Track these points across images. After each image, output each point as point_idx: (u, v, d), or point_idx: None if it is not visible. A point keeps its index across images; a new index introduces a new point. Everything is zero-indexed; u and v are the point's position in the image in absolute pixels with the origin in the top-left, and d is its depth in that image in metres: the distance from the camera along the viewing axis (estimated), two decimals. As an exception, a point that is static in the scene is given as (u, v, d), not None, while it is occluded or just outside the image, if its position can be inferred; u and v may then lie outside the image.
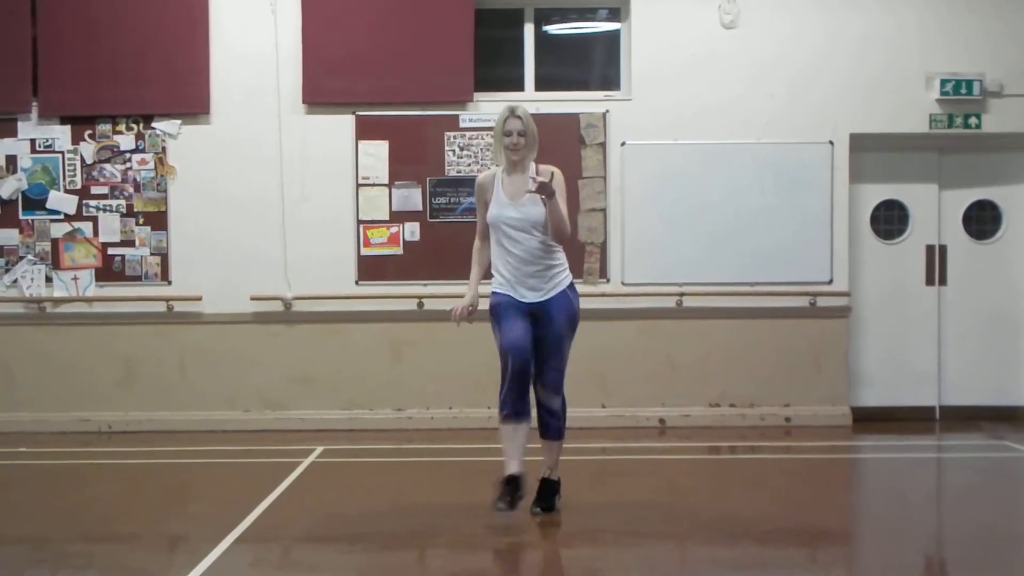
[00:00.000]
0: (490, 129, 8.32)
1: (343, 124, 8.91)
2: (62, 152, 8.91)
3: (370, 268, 8.93)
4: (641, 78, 8.95)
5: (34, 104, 8.88)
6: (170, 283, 8.92)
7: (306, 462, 7.62)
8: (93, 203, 8.92)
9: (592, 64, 9.46)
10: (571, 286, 5.98)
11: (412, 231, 8.92)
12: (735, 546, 5.48)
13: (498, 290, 5.93)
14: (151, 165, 8.93)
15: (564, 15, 9.27)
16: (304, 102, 8.89)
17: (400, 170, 8.91)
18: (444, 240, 8.82)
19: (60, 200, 8.92)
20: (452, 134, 8.90)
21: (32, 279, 8.91)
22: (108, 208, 8.93)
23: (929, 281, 9.28)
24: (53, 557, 5.49)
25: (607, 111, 8.94)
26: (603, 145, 8.93)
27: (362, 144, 8.92)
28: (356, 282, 8.93)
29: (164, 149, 8.93)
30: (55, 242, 8.92)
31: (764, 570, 5.19)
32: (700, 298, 8.90)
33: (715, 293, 8.89)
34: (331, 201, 8.91)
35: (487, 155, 8.76)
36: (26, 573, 5.26)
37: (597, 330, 8.74)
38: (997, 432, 8.66)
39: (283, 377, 8.93)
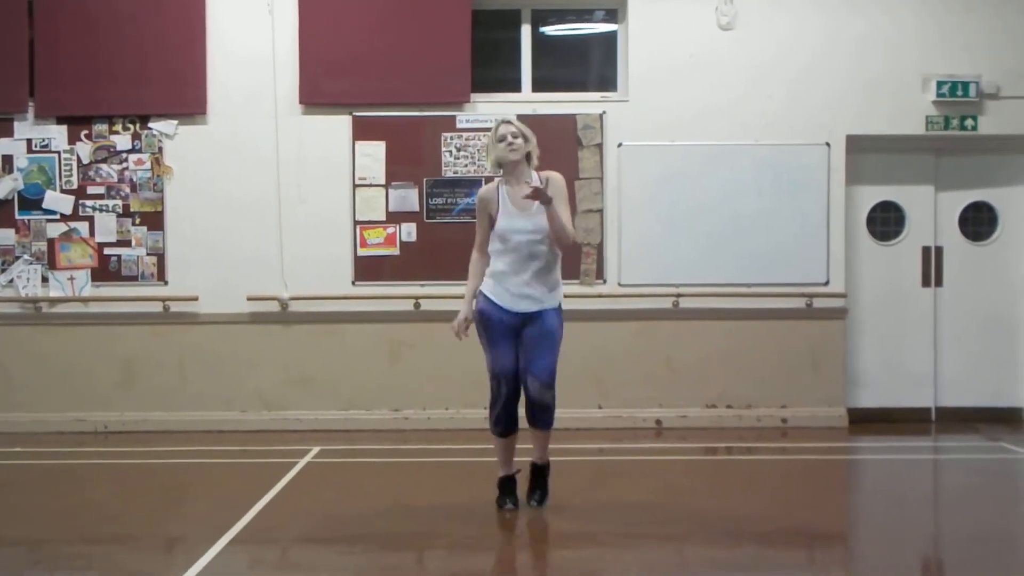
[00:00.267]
0: (488, 130, 8.32)
1: (340, 125, 8.91)
2: (58, 152, 8.90)
3: (367, 269, 8.92)
4: (638, 79, 8.96)
5: (30, 104, 8.87)
6: (166, 283, 8.92)
7: (303, 462, 7.61)
8: (89, 203, 8.91)
9: (589, 65, 9.46)
10: (559, 307, 6.08)
11: (409, 232, 8.92)
12: (732, 547, 5.48)
13: (490, 296, 5.98)
14: (147, 165, 8.92)
15: (561, 16, 9.28)
16: (301, 103, 8.88)
17: (397, 171, 8.91)
18: (441, 241, 8.82)
19: (56, 200, 8.90)
20: (449, 135, 8.90)
21: (28, 279, 8.90)
22: (104, 208, 8.92)
23: (925, 282, 9.29)
24: (50, 558, 5.49)
25: (604, 112, 8.94)
26: (600, 146, 8.93)
27: (359, 145, 8.92)
28: (353, 283, 8.92)
29: (161, 149, 8.92)
30: (51, 242, 8.91)
31: (761, 571, 5.20)
32: (697, 299, 8.90)
33: (712, 294, 8.90)
34: (328, 202, 8.91)
35: (483, 156, 8.75)
36: (23, 574, 5.26)
37: (594, 331, 8.78)
38: (993, 433, 8.67)
39: (280, 377, 8.92)
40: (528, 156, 6.01)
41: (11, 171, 8.89)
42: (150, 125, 8.91)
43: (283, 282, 8.90)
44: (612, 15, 9.20)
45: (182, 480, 7.43)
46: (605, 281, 8.94)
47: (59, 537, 5.82)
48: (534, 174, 5.98)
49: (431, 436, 8.62)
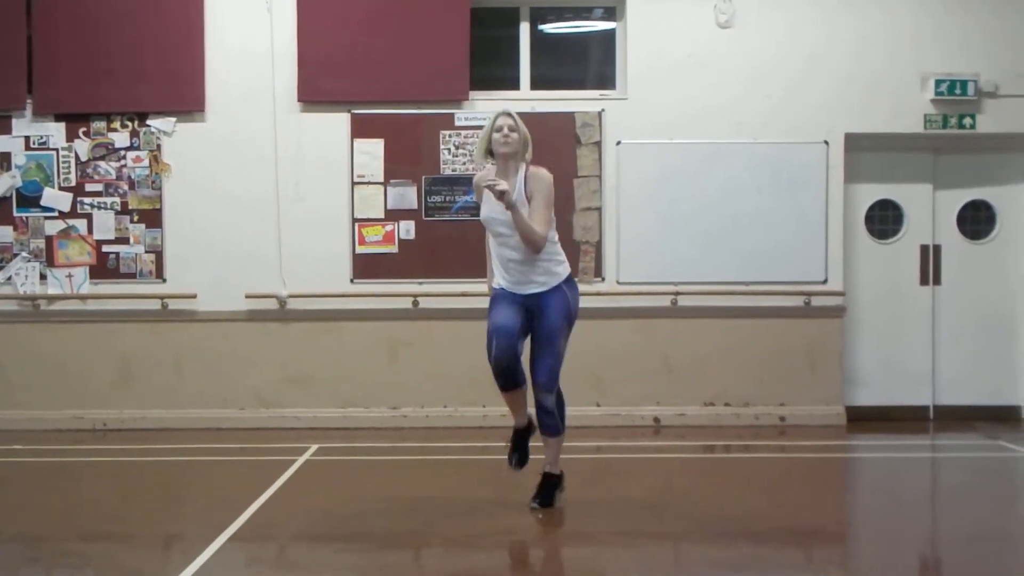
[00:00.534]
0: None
1: (338, 122, 8.90)
2: (57, 149, 8.90)
3: (365, 266, 8.92)
4: (637, 77, 8.96)
5: (29, 101, 8.87)
6: (165, 281, 8.91)
7: (301, 460, 7.61)
8: (88, 200, 8.91)
9: (588, 63, 9.46)
10: (569, 281, 6.01)
11: (407, 229, 8.92)
12: (730, 545, 5.48)
13: (494, 285, 6.06)
14: (146, 163, 8.91)
15: (560, 14, 9.27)
16: (299, 100, 8.88)
17: (395, 168, 8.91)
18: (439, 239, 8.82)
19: (54, 197, 8.90)
20: (447, 133, 8.89)
21: (26, 276, 8.89)
22: (103, 205, 8.91)
23: (923, 281, 9.29)
24: (47, 556, 5.48)
25: (603, 110, 8.94)
26: (599, 144, 8.93)
27: (357, 142, 8.92)
28: (351, 280, 8.92)
29: (159, 147, 8.92)
30: (49, 239, 8.90)
31: (759, 569, 5.19)
32: (695, 297, 8.90)
33: (710, 292, 8.90)
34: (326, 199, 8.91)
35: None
36: (20, 572, 5.26)
37: (592, 329, 8.73)
38: (991, 432, 8.68)
39: (278, 375, 8.92)
40: (518, 152, 5.96)
41: (9, 168, 8.89)
42: (148, 122, 8.90)
43: (281, 280, 8.90)
44: (611, 13, 9.20)
45: (180, 478, 7.43)
46: (603, 279, 8.94)
47: (57, 535, 5.82)
48: (522, 169, 5.95)
49: (429, 434, 8.62)
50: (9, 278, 8.89)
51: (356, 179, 8.92)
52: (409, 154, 8.90)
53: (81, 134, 8.89)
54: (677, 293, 8.91)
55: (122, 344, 8.89)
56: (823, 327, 8.98)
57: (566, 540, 5.64)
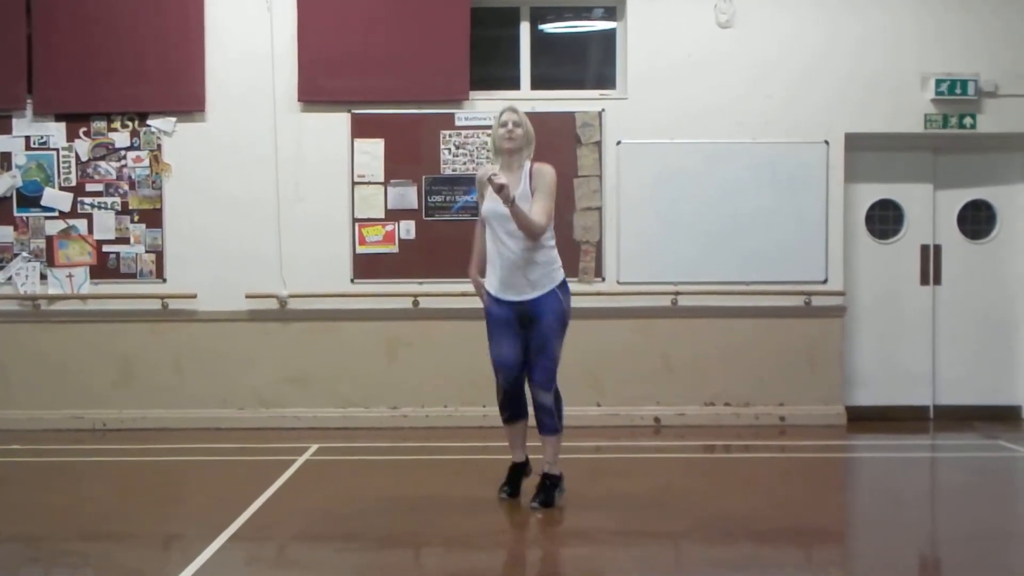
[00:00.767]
0: (486, 128, 8.35)
1: (339, 122, 8.91)
2: (57, 149, 8.90)
3: (365, 266, 8.92)
4: (637, 77, 8.96)
5: (29, 101, 8.87)
6: (165, 281, 8.91)
7: (301, 460, 7.61)
8: (88, 200, 8.91)
9: (588, 63, 9.46)
10: (563, 285, 6.08)
11: (407, 229, 8.92)
12: (730, 545, 5.49)
13: (488, 290, 6.10)
14: (146, 163, 8.92)
15: (560, 14, 9.27)
16: (300, 100, 8.88)
17: (395, 168, 8.91)
18: (439, 238, 8.82)
19: (55, 197, 8.90)
20: (448, 132, 8.89)
21: (27, 276, 8.89)
22: (103, 205, 8.92)
23: (924, 281, 9.29)
24: (47, 555, 5.48)
25: (603, 110, 8.94)
26: (599, 144, 8.93)
27: (358, 142, 8.92)
28: (351, 280, 8.92)
29: (159, 147, 8.92)
30: (50, 239, 8.91)
31: (759, 569, 5.20)
32: (695, 297, 8.90)
33: (710, 292, 8.90)
34: (326, 199, 8.91)
35: (482, 153, 8.77)
36: (20, 571, 5.26)
37: (592, 329, 8.77)
38: (991, 432, 8.68)
39: (278, 375, 8.92)
40: (522, 148, 6.07)
41: (9, 168, 8.89)
42: (149, 122, 8.91)
43: (282, 280, 8.90)
44: (611, 13, 9.20)
45: (180, 478, 7.43)
46: (604, 279, 8.94)
47: (57, 534, 5.82)
48: (527, 165, 6.06)
49: (429, 434, 8.62)
50: (9, 278, 8.89)
51: (356, 179, 8.92)
52: (409, 154, 8.90)
53: (81, 134, 8.89)
54: (677, 293, 8.91)
55: (122, 344, 8.89)
56: (823, 327, 8.98)
57: (566, 540, 5.64)
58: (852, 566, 5.43)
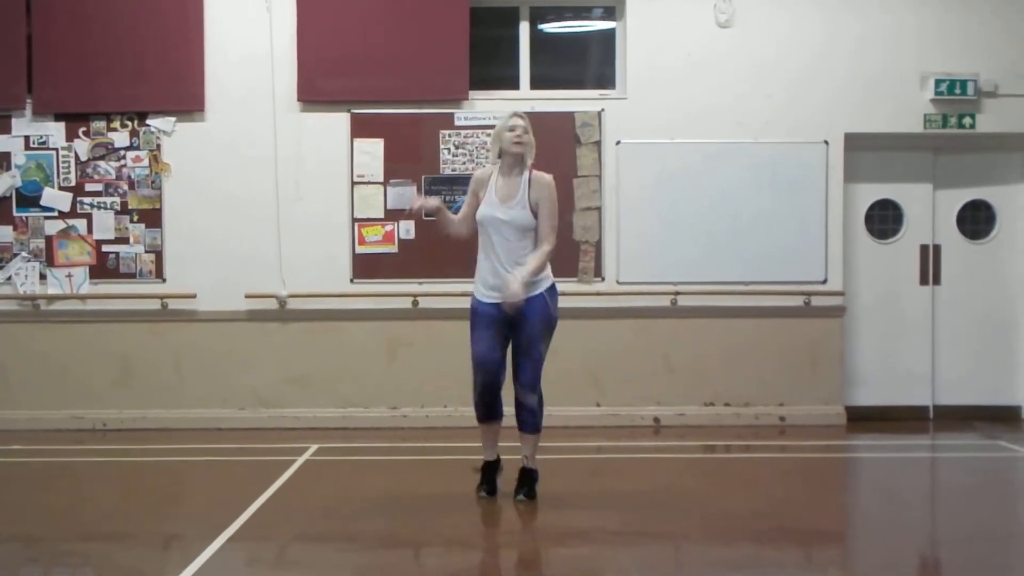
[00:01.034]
0: (486, 127, 8.35)
1: (338, 122, 8.90)
2: (56, 149, 8.90)
3: (365, 266, 8.92)
4: (636, 77, 8.96)
5: (28, 101, 8.87)
6: (164, 281, 8.91)
7: (300, 460, 7.61)
8: (87, 200, 8.91)
9: (587, 63, 9.46)
10: (551, 288, 6.18)
11: (407, 229, 8.92)
12: (730, 545, 5.48)
13: (475, 291, 6.23)
14: (146, 162, 8.91)
15: (559, 14, 9.27)
16: (299, 100, 8.88)
17: (395, 168, 8.91)
18: (439, 239, 8.69)
19: (54, 197, 8.90)
20: (447, 132, 8.89)
21: (26, 276, 8.89)
22: (102, 205, 8.91)
23: (923, 281, 9.29)
24: (47, 555, 5.48)
25: (602, 110, 8.94)
26: (598, 144, 8.93)
27: (357, 142, 8.91)
28: (351, 280, 8.92)
29: (159, 146, 8.92)
30: (49, 239, 8.90)
31: (759, 569, 5.19)
32: (695, 297, 8.90)
33: (710, 292, 8.90)
34: (326, 199, 8.90)
35: (482, 153, 8.76)
36: (20, 572, 5.25)
37: (592, 329, 8.78)
38: (991, 432, 8.68)
39: (278, 375, 8.92)
40: (526, 154, 6.18)
41: (9, 168, 8.89)
42: (148, 122, 8.90)
43: (281, 280, 8.90)
44: (610, 13, 9.20)
45: (180, 478, 7.43)
46: (603, 279, 8.94)
47: (57, 535, 5.81)
48: (526, 173, 6.15)
49: (429, 434, 8.62)
50: (9, 278, 8.89)
51: (356, 179, 8.92)
52: (409, 154, 8.90)
53: (81, 134, 8.89)
54: (677, 293, 8.91)
55: (122, 344, 8.89)
56: (823, 327, 8.98)
57: (566, 540, 5.63)
58: (852, 566, 5.43)
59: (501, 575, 5.37)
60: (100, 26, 8.80)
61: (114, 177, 8.91)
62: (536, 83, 9.14)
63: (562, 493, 6.44)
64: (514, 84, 9.13)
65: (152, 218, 8.92)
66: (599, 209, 8.92)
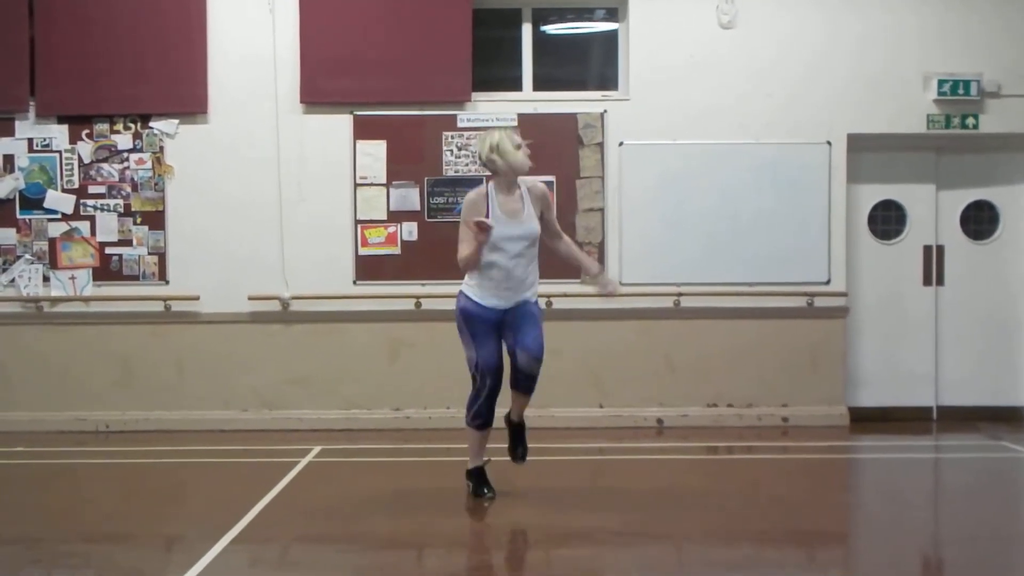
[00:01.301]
0: (488, 129, 8.31)
1: (341, 124, 8.91)
2: (59, 151, 8.91)
3: (368, 268, 8.93)
4: (639, 78, 8.95)
5: (31, 103, 8.88)
6: (167, 283, 8.92)
7: (304, 462, 7.61)
8: (90, 202, 8.92)
9: (590, 64, 9.46)
10: (536, 302, 6.32)
11: (410, 231, 8.92)
12: (732, 546, 5.48)
13: (472, 297, 6.19)
14: (149, 165, 8.92)
15: (562, 15, 9.27)
16: (302, 102, 8.88)
17: (398, 170, 8.91)
18: (442, 240, 8.79)
19: (57, 199, 8.91)
20: (450, 134, 8.90)
21: (29, 278, 8.90)
22: (105, 207, 8.92)
23: (926, 281, 9.28)
24: (49, 557, 5.48)
25: (605, 111, 8.94)
26: (601, 145, 8.93)
27: (360, 144, 8.92)
28: (354, 282, 8.93)
29: (162, 149, 8.93)
30: (52, 241, 8.92)
31: (762, 570, 5.19)
32: (698, 298, 8.90)
33: (713, 293, 8.90)
34: (329, 201, 8.91)
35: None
36: (22, 573, 5.26)
37: (594, 330, 8.79)
38: (994, 432, 8.67)
39: (280, 377, 8.93)
40: None
41: (12, 171, 8.90)
42: (151, 124, 8.92)
43: (284, 281, 8.91)
44: (613, 14, 9.20)
45: (183, 479, 7.43)
46: (606, 280, 8.93)
47: (58, 536, 5.82)
48: (521, 183, 6.20)
49: (432, 435, 8.61)
50: (12, 280, 8.90)
51: (358, 180, 8.92)
52: (411, 155, 8.91)
53: (84, 136, 8.90)
54: (680, 294, 8.90)
55: (125, 346, 8.90)
56: (826, 328, 8.97)
57: (568, 540, 5.63)
58: (854, 567, 5.43)
59: (503, 576, 5.38)
60: (102, 28, 8.81)
61: (117, 179, 8.92)
62: (539, 84, 9.14)
63: (564, 494, 6.45)
64: (516, 85, 9.14)
65: (155, 220, 8.93)
66: (602, 210, 8.92)
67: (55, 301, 8.92)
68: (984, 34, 8.97)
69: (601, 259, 8.91)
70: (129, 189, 8.92)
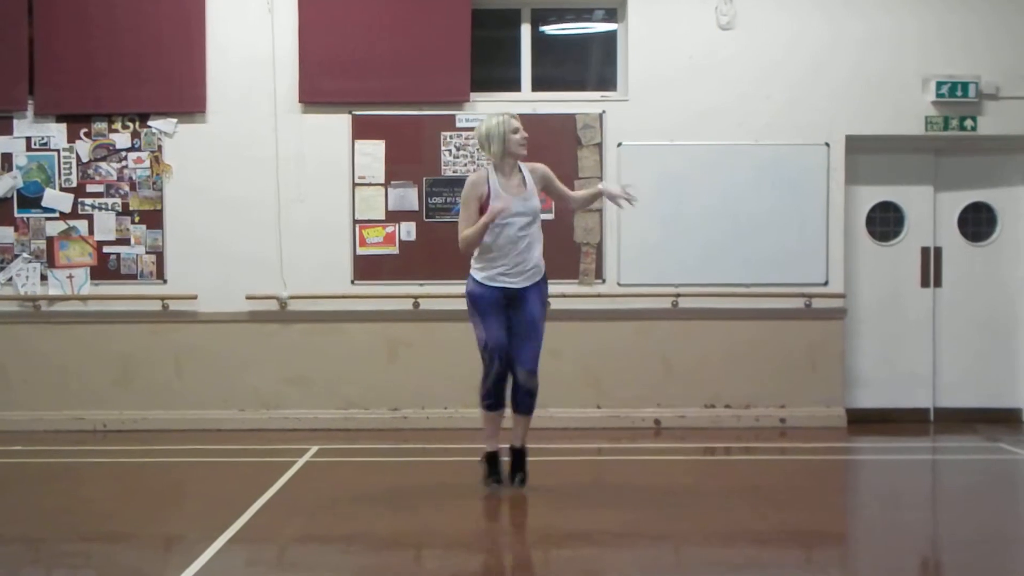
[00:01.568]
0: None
1: (339, 124, 8.91)
2: (58, 150, 8.90)
3: (366, 268, 8.92)
4: (638, 79, 8.96)
5: (30, 102, 8.87)
6: (165, 282, 8.91)
7: (301, 461, 7.61)
8: (89, 201, 8.91)
9: (589, 65, 9.47)
10: (544, 277, 6.51)
11: (408, 231, 8.92)
12: (730, 547, 5.48)
13: (480, 279, 6.41)
14: (147, 164, 8.92)
15: (561, 16, 9.28)
16: (300, 101, 8.88)
17: (396, 170, 8.91)
18: (440, 240, 8.81)
19: (56, 198, 8.90)
20: (448, 134, 8.90)
21: (27, 277, 8.89)
22: (104, 206, 8.92)
23: (924, 283, 9.29)
24: (48, 556, 5.48)
25: (604, 112, 8.94)
26: (599, 146, 8.94)
27: (358, 144, 8.92)
28: (352, 281, 8.93)
29: (160, 148, 8.92)
30: (50, 240, 8.91)
31: (760, 571, 5.19)
32: (696, 299, 8.90)
33: (711, 294, 8.90)
34: (327, 200, 8.91)
35: (483, 155, 8.74)
36: (21, 573, 5.25)
37: (593, 331, 8.79)
38: (992, 434, 8.67)
39: (278, 376, 8.92)
40: None
41: (10, 169, 8.89)
42: (149, 123, 8.91)
43: (282, 281, 8.90)
44: (612, 15, 9.20)
45: (181, 479, 7.43)
46: (604, 281, 8.94)
47: (57, 535, 5.82)
48: (521, 166, 6.46)
49: (430, 435, 8.61)
50: (10, 279, 8.89)
51: (357, 180, 8.92)
52: (410, 155, 8.91)
53: (82, 135, 8.89)
54: (678, 295, 8.91)
55: (123, 345, 8.89)
56: (824, 329, 8.98)
57: (566, 541, 5.63)
58: (852, 568, 5.43)
59: (502, 576, 5.38)
60: (102, 27, 8.80)
61: (115, 178, 8.92)
62: (537, 85, 9.14)
63: (563, 495, 6.45)
64: (515, 86, 9.14)
65: (153, 219, 8.92)
66: (600, 211, 8.92)
67: (53, 300, 8.91)
68: (982, 36, 8.98)
69: (599, 260, 8.92)
70: (127, 188, 8.92)
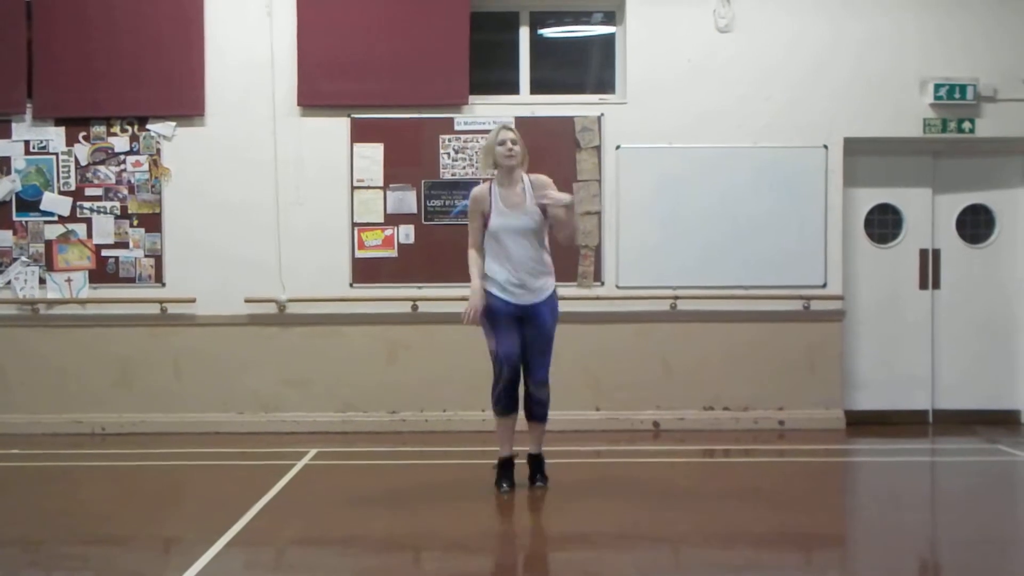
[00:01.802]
0: (486, 132, 8.33)
1: (338, 127, 8.91)
2: (56, 154, 8.90)
3: (365, 270, 8.92)
4: (636, 82, 8.96)
5: (28, 105, 8.87)
6: (164, 285, 8.91)
7: (300, 464, 7.61)
8: (87, 205, 8.91)
9: (587, 67, 9.47)
10: (554, 291, 6.57)
11: (407, 234, 8.92)
12: (729, 549, 5.49)
13: (494, 292, 6.43)
14: (145, 167, 8.92)
15: (559, 19, 9.28)
16: (299, 104, 8.88)
17: (395, 173, 8.91)
18: (439, 243, 8.83)
19: (54, 202, 8.90)
20: (447, 137, 8.90)
21: (26, 281, 8.89)
22: (102, 210, 8.92)
23: (923, 285, 9.29)
24: (46, 559, 5.48)
25: (602, 114, 8.95)
26: (598, 148, 8.94)
27: (357, 147, 8.92)
28: (350, 284, 8.92)
29: (159, 151, 8.92)
30: (49, 244, 8.91)
31: (758, 573, 5.20)
32: (694, 301, 8.90)
33: (709, 296, 8.90)
34: (326, 204, 8.91)
35: (480, 158, 8.76)
36: (20, 575, 5.25)
37: (591, 333, 8.79)
38: (990, 436, 8.67)
39: (277, 379, 8.92)
40: (519, 164, 6.51)
41: (9, 173, 8.89)
42: (148, 127, 8.91)
43: (281, 284, 8.90)
44: (610, 17, 9.21)
45: (179, 481, 7.43)
46: (603, 283, 8.94)
47: (56, 538, 5.82)
48: (524, 178, 6.46)
49: (428, 438, 8.61)
50: (8, 282, 8.89)
51: (356, 183, 8.92)
52: (409, 158, 8.91)
53: (81, 138, 8.90)
54: (676, 297, 8.91)
55: (121, 348, 8.89)
56: (822, 331, 8.98)
57: (565, 543, 5.63)
58: (851, 570, 5.43)
59: (500, 579, 5.38)
60: (101, 31, 8.81)
61: (114, 181, 8.92)
62: (536, 88, 9.15)
63: (562, 496, 6.45)
64: (514, 89, 9.15)
65: (152, 222, 8.92)
66: (599, 213, 8.93)
67: (51, 303, 8.91)
68: (980, 39, 8.99)
69: (598, 262, 8.93)
70: (126, 191, 8.92)
